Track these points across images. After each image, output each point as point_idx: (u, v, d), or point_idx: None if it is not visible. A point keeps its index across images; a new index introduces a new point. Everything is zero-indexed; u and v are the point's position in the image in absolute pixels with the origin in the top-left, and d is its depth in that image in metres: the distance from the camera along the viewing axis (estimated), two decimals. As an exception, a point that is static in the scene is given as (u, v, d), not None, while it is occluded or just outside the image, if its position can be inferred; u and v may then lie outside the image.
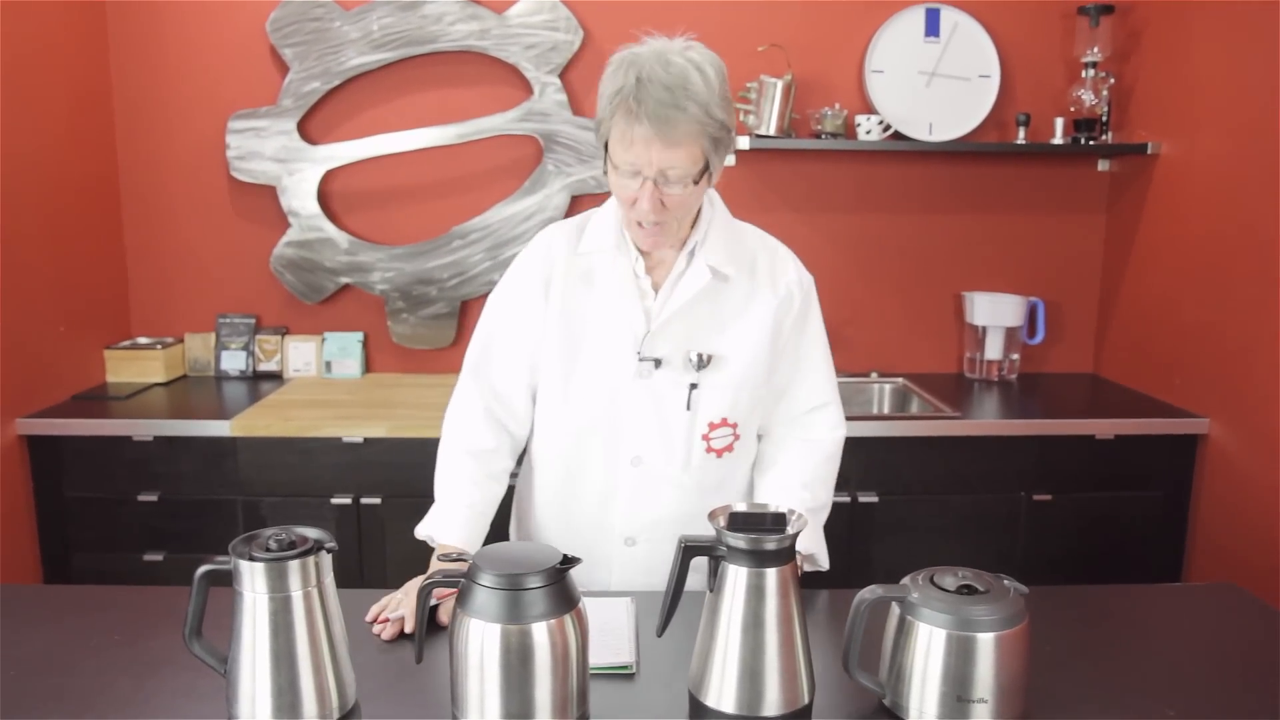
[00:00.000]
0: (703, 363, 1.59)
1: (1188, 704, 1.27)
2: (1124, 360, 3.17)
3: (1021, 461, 2.73)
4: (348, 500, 2.65)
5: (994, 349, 3.20)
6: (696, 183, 1.47)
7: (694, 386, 1.60)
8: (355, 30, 3.01)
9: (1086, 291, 3.31)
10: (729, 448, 1.65)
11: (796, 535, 1.17)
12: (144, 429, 2.63)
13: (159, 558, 2.67)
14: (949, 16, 3.09)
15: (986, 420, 2.76)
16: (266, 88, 3.07)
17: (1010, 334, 3.19)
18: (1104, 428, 2.73)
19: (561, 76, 3.07)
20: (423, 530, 1.60)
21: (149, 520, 2.67)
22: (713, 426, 1.63)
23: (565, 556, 1.15)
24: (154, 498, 2.65)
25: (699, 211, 1.60)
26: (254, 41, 3.04)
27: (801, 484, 1.64)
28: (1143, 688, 1.32)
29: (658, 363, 1.59)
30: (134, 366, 3.05)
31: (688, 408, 1.60)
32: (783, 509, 1.19)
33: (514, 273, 1.67)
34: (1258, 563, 2.49)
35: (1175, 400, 2.85)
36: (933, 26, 3.10)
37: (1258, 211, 2.51)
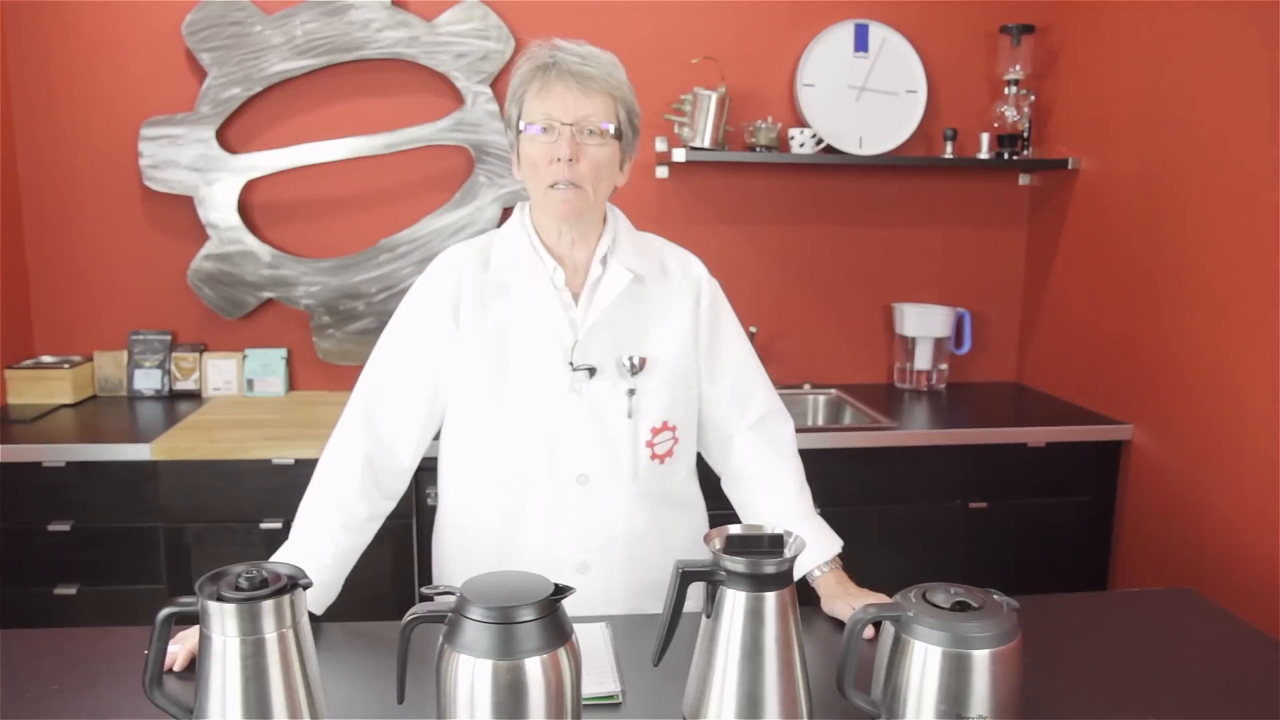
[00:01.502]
0: (636, 367, 1.58)
1: (1167, 709, 1.29)
2: (1047, 369, 3.26)
3: (958, 470, 2.78)
4: (278, 525, 2.53)
5: (923, 359, 3.26)
6: (609, 138, 1.49)
7: (632, 392, 1.58)
8: (278, 35, 2.90)
9: (1010, 302, 3.40)
10: (670, 452, 1.64)
11: (795, 558, 1.15)
12: (55, 454, 2.47)
13: (72, 590, 2.51)
14: (877, 32, 3.14)
15: (923, 430, 2.80)
16: (182, 93, 2.93)
17: (939, 344, 3.25)
18: (1036, 435, 2.79)
19: (493, 86, 3.01)
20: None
21: (61, 551, 2.50)
22: (655, 432, 1.61)
23: (558, 586, 1.11)
24: (66, 527, 2.49)
25: (604, 220, 1.62)
26: (168, 45, 2.90)
27: (800, 485, 1.68)
28: (1124, 696, 1.34)
29: (592, 371, 1.56)
30: (38, 387, 2.86)
31: (629, 415, 1.58)
32: (779, 530, 1.17)
33: (415, 299, 1.61)
34: (1182, 565, 2.58)
35: (1098, 407, 2.94)
36: (861, 42, 3.14)
37: (1174, 223, 2.61)
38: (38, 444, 2.49)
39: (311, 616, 1.50)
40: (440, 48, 2.97)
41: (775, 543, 1.16)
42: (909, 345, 3.27)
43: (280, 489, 2.53)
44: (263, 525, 2.53)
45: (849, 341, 3.36)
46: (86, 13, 2.87)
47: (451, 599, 1.10)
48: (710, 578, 1.15)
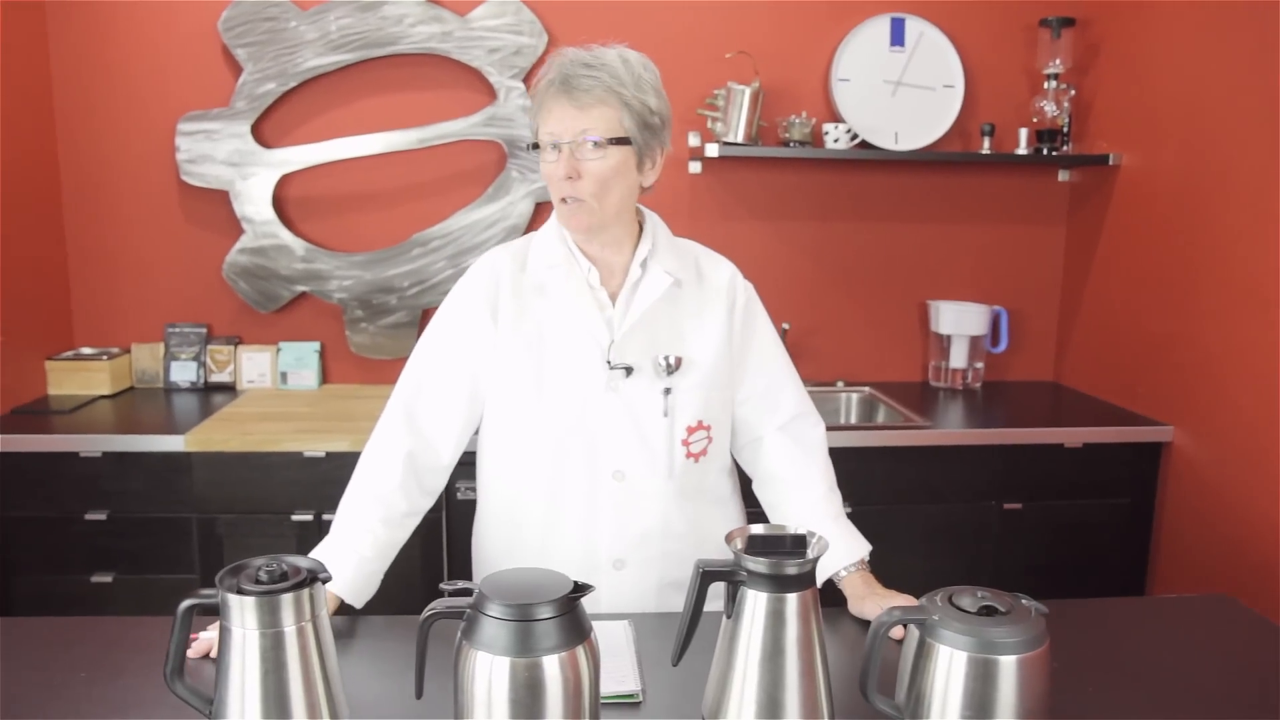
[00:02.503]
0: (672, 367, 1.59)
1: (1199, 718, 1.26)
2: (1085, 368, 3.20)
3: (991, 470, 2.74)
4: (309, 517, 2.55)
5: (959, 358, 3.21)
6: (611, 146, 1.47)
7: (668, 391, 1.58)
8: (312, 31, 2.92)
9: (1048, 300, 3.34)
10: (704, 451, 1.64)
11: (817, 559, 1.13)
12: (92, 444, 2.51)
13: (108, 579, 2.55)
14: (914, 26, 3.09)
15: (956, 430, 2.76)
16: (219, 89, 2.95)
17: (975, 342, 3.21)
18: (1072, 436, 2.74)
19: (525, 81, 3.01)
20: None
21: (97, 540, 2.54)
22: (690, 430, 1.62)
23: (576, 584, 1.10)
24: (102, 516, 2.52)
25: (642, 226, 1.62)
26: (205, 41, 2.93)
27: (829, 488, 1.67)
28: (1154, 704, 1.30)
29: (629, 370, 1.57)
30: (78, 378, 2.91)
31: (665, 414, 1.59)
32: (802, 530, 1.15)
33: (454, 301, 1.64)
34: (1223, 571, 2.52)
35: (1138, 408, 2.88)
36: (898, 36, 3.10)
37: (1218, 220, 2.55)
38: (75, 434, 2.52)
39: (350, 610, 1.52)
40: (473, 42, 2.97)
41: (798, 543, 1.14)
42: (944, 343, 3.23)
43: (312, 482, 2.55)
44: (294, 517, 2.55)
45: (883, 339, 3.32)
46: (126, 11, 2.90)
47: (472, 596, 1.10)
48: (731, 578, 1.13)
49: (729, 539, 1.15)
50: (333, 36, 2.93)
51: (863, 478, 2.70)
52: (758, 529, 1.16)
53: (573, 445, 1.58)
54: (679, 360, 1.59)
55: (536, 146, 1.52)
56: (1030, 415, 2.95)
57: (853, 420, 3.19)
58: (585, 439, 1.58)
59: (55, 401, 2.81)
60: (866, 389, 3.20)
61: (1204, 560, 2.61)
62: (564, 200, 1.51)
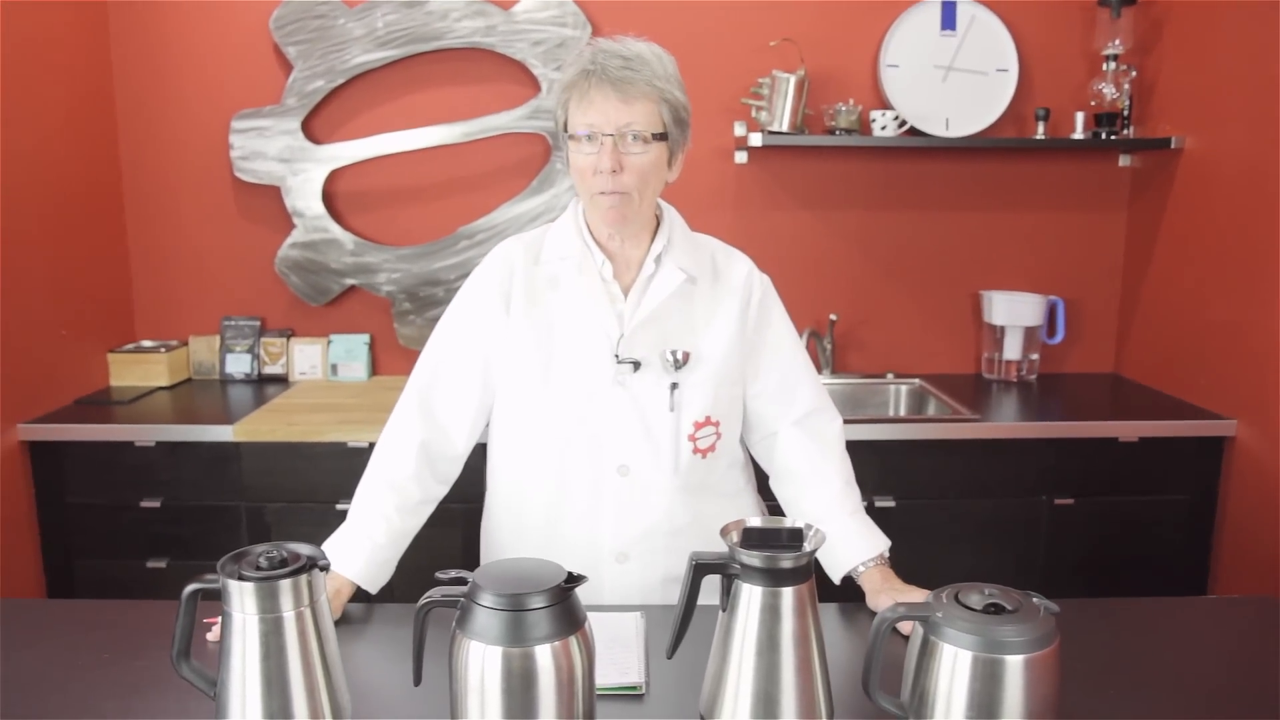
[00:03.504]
0: (680, 362, 1.58)
1: (1227, 727, 1.21)
2: (1147, 360, 3.09)
3: (1042, 465, 2.66)
4: (353, 506, 2.59)
5: (1013, 349, 3.13)
6: (653, 141, 1.48)
7: (675, 386, 1.58)
8: (360, 27, 2.96)
9: (1107, 290, 3.23)
10: (712, 447, 1.63)
11: (813, 553, 1.11)
12: (146, 434, 2.59)
13: (162, 565, 2.63)
14: (965, 9, 3.01)
15: (1006, 423, 2.69)
16: (270, 87, 3.02)
17: (1029, 334, 3.12)
18: (1127, 430, 2.65)
19: (570, 73, 3.01)
20: (326, 549, 1.53)
21: (152, 527, 2.62)
22: (697, 426, 1.60)
23: (570, 574, 1.09)
24: (156, 504, 2.60)
25: (659, 220, 1.61)
26: (257, 40, 3.00)
27: (845, 483, 1.63)
28: (1178, 710, 1.25)
29: (636, 365, 1.56)
30: (138, 370, 3.00)
31: (671, 409, 1.58)
32: (800, 524, 1.13)
33: (467, 290, 1.65)
34: (1288, 569, 2.41)
35: (1201, 401, 2.77)
36: (949, 20, 3.02)
37: (1287, 207, 2.43)
38: (131, 424, 2.61)
39: (369, 597, 1.54)
40: (517, 36, 2.99)
41: (794, 537, 1.12)
42: (998, 334, 3.15)
43: (355, 472, 2.52)
44: (339, 506, 2.59)
45: (934, 330, 3.25)
46: (182, 12, 2.98)
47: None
48: (725, 571, 1.12)
49: (724, 532, 1.13)
50: (379, 33, 2.97)
51: (910, 471, 2.65)
52: (754, 522, 1.14)
53: (578, 438, 1.58)
54: (686, 355, 1.58)
55: (569, 135, 1.51)
56: (1085, 408, 2.86)
57: (901, 413, 3.13)
58: (590, 432, 1.58)
59: (116, 393, 2.91)
60: (916, 381, 3.14)
61: (1268, 561, 2.50)
62: (601, 193, 1.50)
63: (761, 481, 1.76)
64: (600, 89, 1.46)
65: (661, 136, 1.49)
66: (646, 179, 1.50)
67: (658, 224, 1.62)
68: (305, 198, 3.04)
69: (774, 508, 1.71)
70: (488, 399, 1.65)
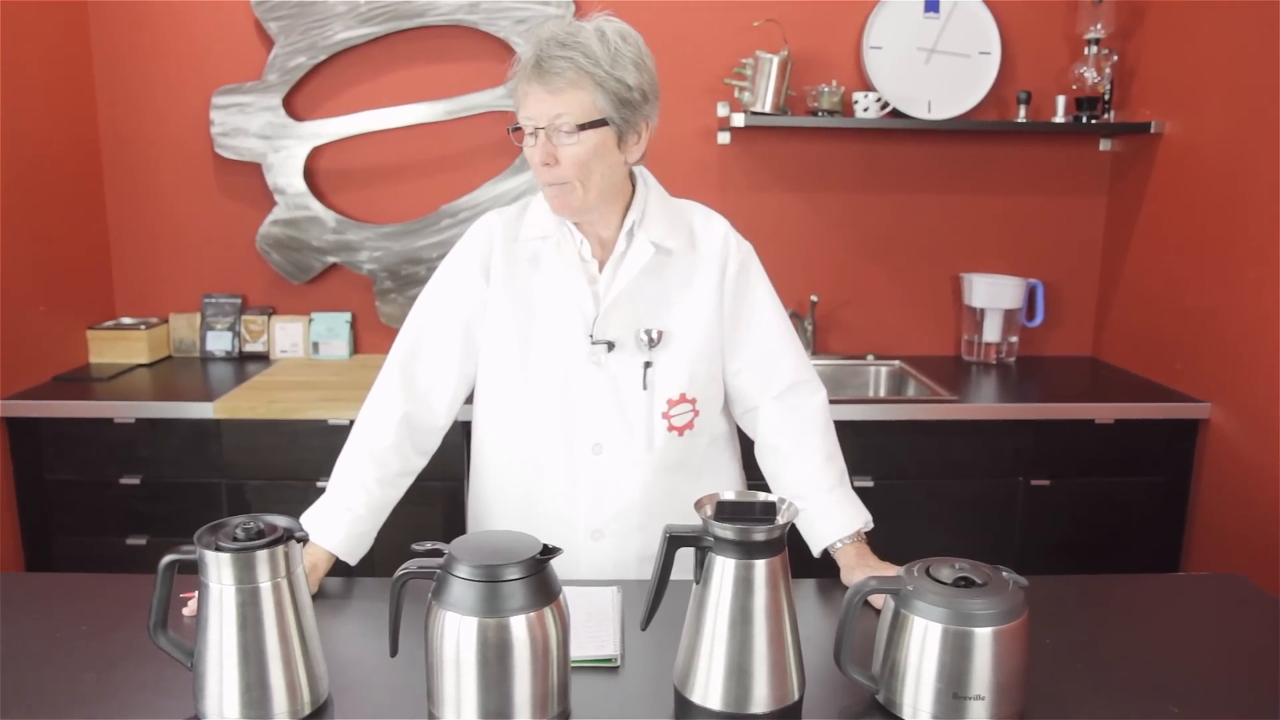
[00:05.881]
0: (654, 340, 1.58)
1: (1191, 701, 1.23)
2: (1124, 344, 3.12)
3: (1019, 446, 2.69)
4: (334, 484, 2.59)
5: (992, 331, 3.15)
6: (588, 130, 1.44)
7: (648, 365, 1.58)
8: (342, 4, 2.94)
9: (1086, 273, 3.26)
10: (689, 425, 1.63)
11: (786, 525, 1.12)
12: (125, 411, 2.58)
13: (142, 541, 2.63)
14: (949, -8, 3.02)
15: (984, 404, 2.71)
16: (251, 63, 3.00)
17: (1009, 316, 3.14)
18: (1104, 412, 2.68)
19: (553, 52, 2.99)
20: (305, 521, 1.55)
21: (131, 504, 2.62)
22: (671, 404, 1.61)
23: (545, 546, 1.10)
24: (136, 481, 2.60)
25: (634, 191, 1.60)
26: (238, 15, 2.97)
27: (826, 457, 1.62)
28: (1145, 684, 1.27)
29: (610, 346, 1.57)
30: (117, 347, 2.99)
31: (644, 387, 1.58)
32: (773, 498, 1.14)
33: (449, 262, 1.65)
34: (1259, 550, 2.45)
35: (1177, 384, 2.80)
36: (932, 2, 3.02)
37: (1263, 193, 2.45)
38: (110, 401, 2.60)
39: (346, 567, 1.55)
40: (500, 13, 2.97)
41: (767, 510, 1.13)
42: (977, 317, 3.17)
43: (336, 449, 2.51)
44: (319, 484, 2.57)
45: (915, 312, 3.27)
46: (162, -15, 2.96)
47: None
48: (698, 544, 1.13)
49: (698, 505, 1.14)
50: (362, 9, 2.95)
51: (888, 452, 2.67)
52: (728, 495, 1.16)
53: (553, 417, 1.59)
54: (660, 334, 1.58)
55: (518, 130, 1.50)
56: (1062, 390, 2.89)
57: (881, 394, 3.15)
58: (565, 411, 1.59)
59: (96, 370, 2.89)
60: (896, 363, 3.16)
61: (1239, 541, 2.54)
62: (548, 184, 1.50)
63: (748, 452, 1.75)
64: (528, 83, 1.45)
65: (599, 123, 1.46)
66: (587, 167, 1.47)
67: (633, 197, 1.60)
68: (287, 175, 3.03)
69: (759, 484, 1.71)
70: (469, 368, 1.65)
